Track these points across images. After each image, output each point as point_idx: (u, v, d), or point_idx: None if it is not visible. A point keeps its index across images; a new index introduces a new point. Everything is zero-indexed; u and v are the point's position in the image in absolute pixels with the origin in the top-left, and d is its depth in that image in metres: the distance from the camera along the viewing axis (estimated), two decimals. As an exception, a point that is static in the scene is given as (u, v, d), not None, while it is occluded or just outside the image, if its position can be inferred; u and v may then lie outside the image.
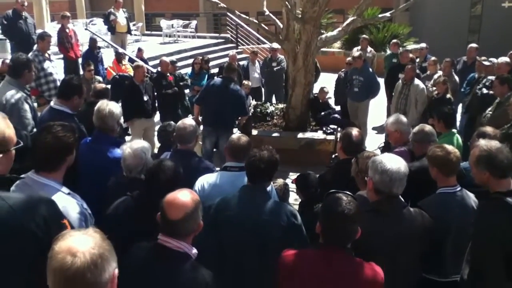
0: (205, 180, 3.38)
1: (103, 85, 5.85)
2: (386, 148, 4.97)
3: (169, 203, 2.28)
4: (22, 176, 2.56)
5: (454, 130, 5.04)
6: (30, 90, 5.00)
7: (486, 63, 7.49)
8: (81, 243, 1.50)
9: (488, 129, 4.04)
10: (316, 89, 9.07)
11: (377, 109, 9.50)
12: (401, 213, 2.68)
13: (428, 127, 4.13)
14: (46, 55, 7.33)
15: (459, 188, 3.08)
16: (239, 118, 7.04)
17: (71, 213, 2.42)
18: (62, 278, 1.44)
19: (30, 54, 6.90)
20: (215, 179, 3.38)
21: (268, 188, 3.10)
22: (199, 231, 2.35)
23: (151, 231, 2.35)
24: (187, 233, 2.29)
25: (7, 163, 2.07)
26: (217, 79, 6.98)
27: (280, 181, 3.96)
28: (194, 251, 2.31)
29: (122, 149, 3.35)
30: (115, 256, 1.57)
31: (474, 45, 9.14)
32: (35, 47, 7.71)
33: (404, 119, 4.43)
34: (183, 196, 2.31)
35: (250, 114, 7.77)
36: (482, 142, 2.82)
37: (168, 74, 8.69)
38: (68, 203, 2.47)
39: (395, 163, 2.69)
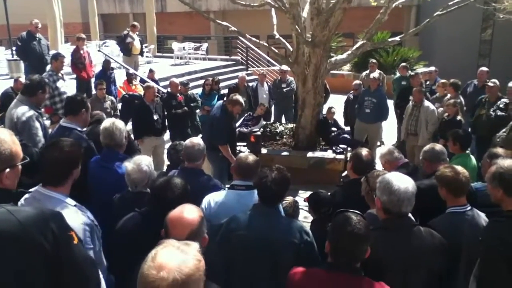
0: (212, 198, 3.37)
1: (99, 112, 5.56)
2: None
3: (173, 222, 2.24)
4: (30, 190, 2.59)
5: (468, 151, 5.06)
6: (43, 108, 5.05)
7: (490, 84, 7.53)
8: None
9: (499, 150, 4.01)
10: (325, 110, 9.11)
11: (388, 130, 9.55)
12: (410, 231, 2.65)
13: (439, 146, 4.15)
14: (60, 74, 7.45)
15: (469, 208, 3.05)
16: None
17: (75, 224, 2.41)
18: None
19: (44, 74, 7.05)
20: (222, 197, 3.37)
21: (278, 206, 3.08)
22: (204, 245, 2.32)
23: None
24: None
25: (14, 178, 2.11)
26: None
27: (289, 198, 3.92)
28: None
29: (125, 165, 3.38)
30: None
31: (484, 68, 9.15)
32: (48, 67, 7.83)
33: (385, 149, 4.55)
34: (188, 213, 2.27)
35: (259, 133, 7.72)
36: (500, 160, 2.86)
37: (178, 95, 8.77)
38: (73, 214, 2.49)
39: (402, 182, 2.66)
